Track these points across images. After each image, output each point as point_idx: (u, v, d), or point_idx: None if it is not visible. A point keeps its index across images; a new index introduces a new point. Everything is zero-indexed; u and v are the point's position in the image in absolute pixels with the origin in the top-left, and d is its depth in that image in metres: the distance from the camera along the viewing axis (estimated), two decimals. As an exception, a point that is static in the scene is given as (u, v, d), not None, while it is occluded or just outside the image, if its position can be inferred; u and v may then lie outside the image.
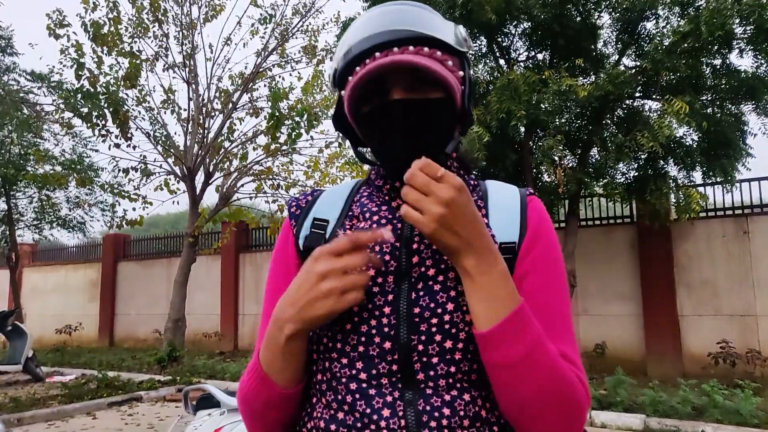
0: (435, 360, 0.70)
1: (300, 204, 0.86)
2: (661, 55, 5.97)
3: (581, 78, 6.89)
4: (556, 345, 0.70)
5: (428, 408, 0.69)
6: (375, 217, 0.79)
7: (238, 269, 11.82)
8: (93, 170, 11.98)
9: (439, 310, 0.71)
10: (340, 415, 0.71)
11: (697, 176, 7.31)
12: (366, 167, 0.88)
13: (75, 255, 15.50)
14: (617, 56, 7.17)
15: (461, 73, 0.77)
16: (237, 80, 9.59)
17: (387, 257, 0.74)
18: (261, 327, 0.83)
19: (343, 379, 0.72)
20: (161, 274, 12.89)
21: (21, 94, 10.33)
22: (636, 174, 7.12)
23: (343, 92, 0.78)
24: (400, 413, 0.68)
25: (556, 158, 6.72)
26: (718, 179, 7.19)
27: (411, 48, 0.73)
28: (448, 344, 0.70)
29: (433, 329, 0.70)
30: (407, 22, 0.74)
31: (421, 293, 0.72)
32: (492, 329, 0.65)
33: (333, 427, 0.71)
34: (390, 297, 0.72)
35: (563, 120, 7.02)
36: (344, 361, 0.72)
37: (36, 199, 12.85)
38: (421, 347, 0.70)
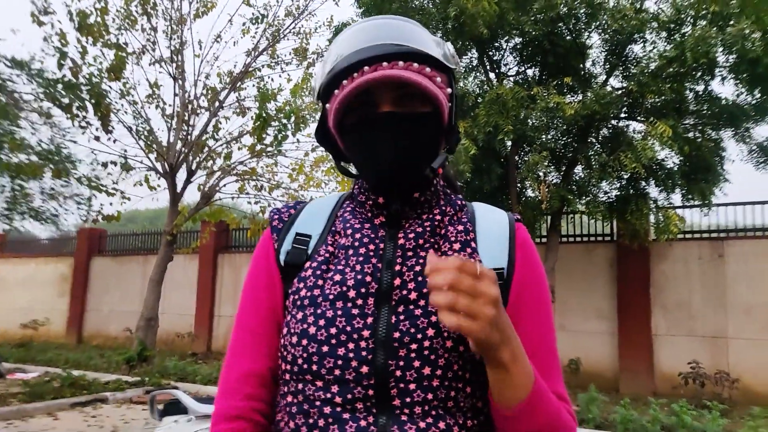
0: (412, 386, 0.69)
1: (282, 217, 0.84)
2: (647, 78, 6.10)
3: (569, 96, 6.99)
4: (551, 385, 0.72)
5: None
6: (357, 235, 0.78)
7: (216, 270, 11.63)
8: (70, 162, 11.64)
9: (419, 336, 0.70)
10: None
11: (677, 198, 7.47)
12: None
13: (46, 248, 15.06)
14: (605, 76, 7.30)
15: (449, 90, 0.77)
16: (225, 78, 9.46)
17: (368, 278, 0.73)
18: (234, 335, 0.81)
19: (317, 402, 0.70)
20: (136, 271, 12.59)
21: (-1, 80, 10.01)
22: (618, 193, 7.23)
23: (327, 106, 0.76)
24: None
25: (541, 174, 6.79)
26: (697, 202, 7.34)
27: (400, 63, 0.72)
28: (427, 371, 0.69)
29: (412, 355, 0.69)
30: (397, 37, 0.73)
31: (402, 317, 0.71)
32: (517, 410, 0.67)
33: None
34: (369, 320, 0.70)
35: (549, 137, 7.10)
36: (319, 383, 0.70)
37: (8, 189, 12.44)
38: (398, 373, 0.69)
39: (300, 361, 0.72)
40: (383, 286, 0.72)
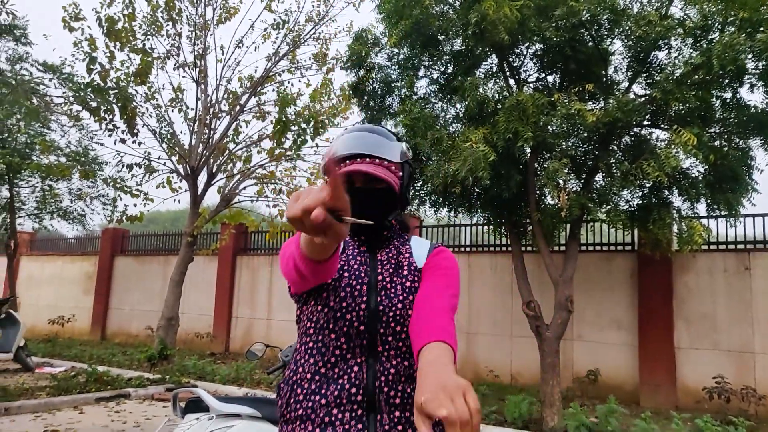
0: (390, 339, 1.16)
1: None
2: (672, 86, 5.94)
3: (590, 103, 6.86)
4: (443, 302, 1.13)
5: (381, 369, 1.14)
6: (354, 252, 1.26)
7: (235, 271, 11.78)
8: (97, 163, 11.99)
9: (394, 308, 1.17)
10: (323, 370, 1.16)
11: (701, 208, 7.25)
12: None
13: (73, 247, 15.47)
14: (627, 84, 7.14)
15: (401, 173, 1.26)
16: (246, 83, 9.60)
17: (362, 274, 1.21)
18: None
19: (331, 347, 1.16)
20: (158, 271, 12.85)
21: (32, 84, 10.35)
22: (640, 202, 7.06)
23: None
24: (365, 369, 1.14)
25: (561, 181, 6.67)
26: (722, 213, 7.13)
27: (367, 160, 1.21)
28: (398, 328, 1.16)
29: (390, 320, 1.16)
30: (368, 146, 1.22)
31: (383, 297, 1.18)
32: None
33: (317, 377, 1.15)
34: (364, 298, 1.17)
35: (570, 144, 6.98)
36: (332, 336, 1.16)
37: (38, 189, 12.85)
38: (382, 330, 1.16)
39: (322, 321, 1.17)
40: (372, 280, 1.20)
